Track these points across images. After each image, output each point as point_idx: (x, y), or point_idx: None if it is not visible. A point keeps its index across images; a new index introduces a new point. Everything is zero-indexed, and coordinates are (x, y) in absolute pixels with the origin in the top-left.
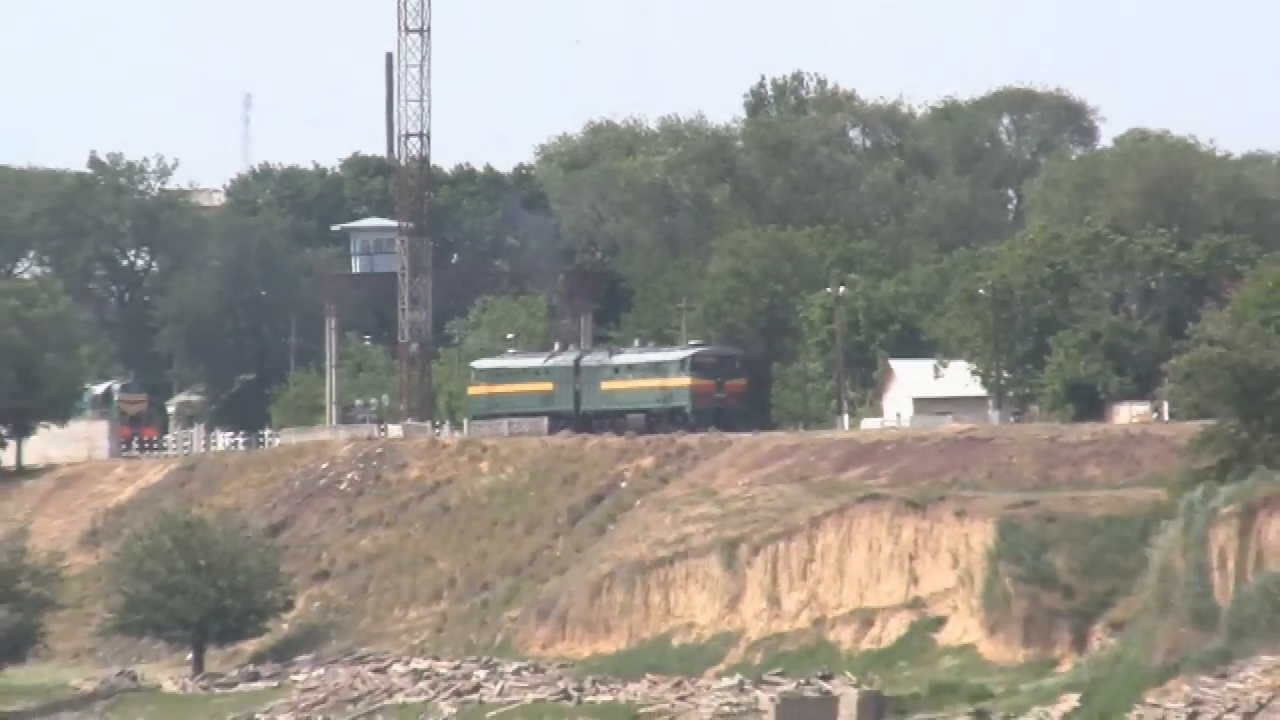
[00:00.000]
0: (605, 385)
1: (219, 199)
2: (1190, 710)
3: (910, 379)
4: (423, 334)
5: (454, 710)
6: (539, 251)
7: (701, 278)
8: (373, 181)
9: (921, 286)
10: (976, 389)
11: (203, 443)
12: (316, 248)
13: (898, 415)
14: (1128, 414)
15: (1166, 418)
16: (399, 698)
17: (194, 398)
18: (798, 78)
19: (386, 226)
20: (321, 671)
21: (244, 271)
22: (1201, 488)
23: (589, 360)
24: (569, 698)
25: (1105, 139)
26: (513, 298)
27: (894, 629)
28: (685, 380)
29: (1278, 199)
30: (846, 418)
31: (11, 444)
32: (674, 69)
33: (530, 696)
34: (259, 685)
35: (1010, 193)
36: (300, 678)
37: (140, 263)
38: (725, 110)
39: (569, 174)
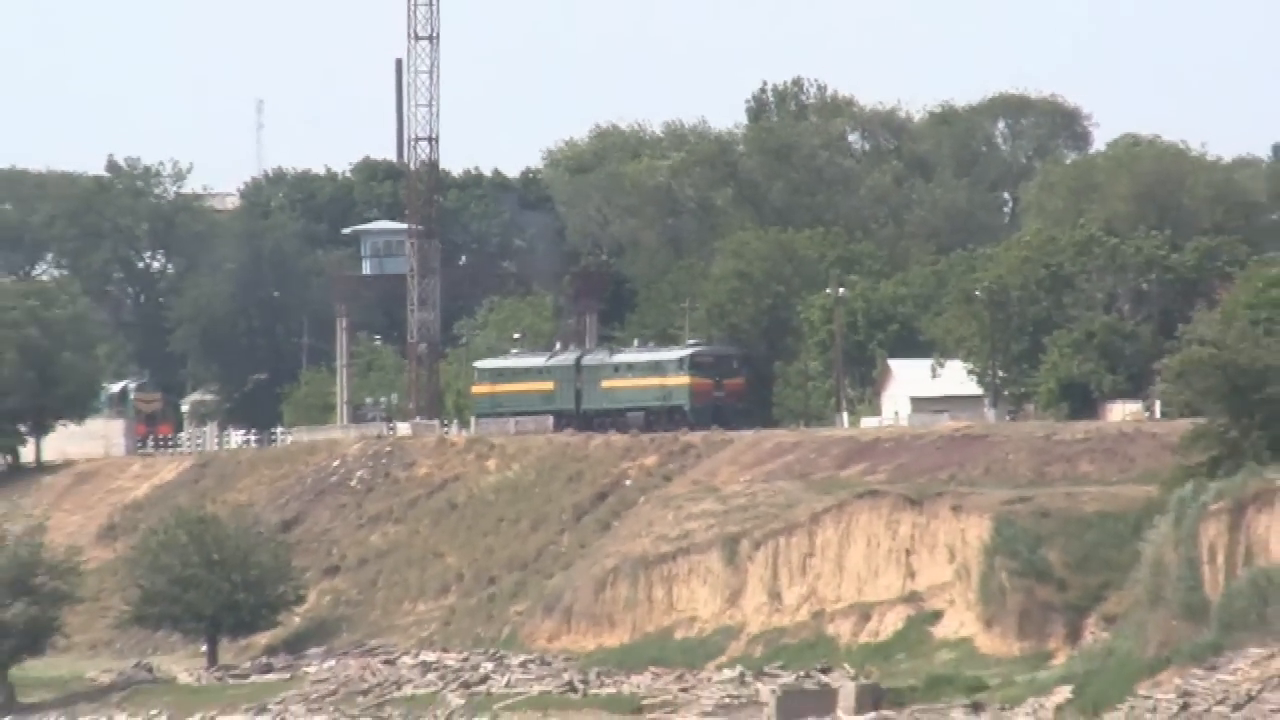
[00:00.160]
0: (606, 384)
1: (233, 202)
2: (1181, 701)
3: (908, 378)
4: (431, 334)
5: (462, 702)
6: (545, 253)
7: (705, 278)
8: (383, 185)
9: (919, 287)
10: (973, 388)
11: (216, 440)
12: (328, 250)
13: (896, 413)
14: (1121, 412)
15: (1158, 416)
16: (408, 689)
17: (208, 396)
18: (798, 83)
19: (396, 229)
20: (332, 663)
21: (257, 273)
22: (1192, 484)
23: (590, 360)
24: (574, 690)
25: (1098, 144)
26: (519, 298)
27: (892, 622)
28: (684, 379)
29: (1267, 202)
30: (846, 416)
31: (30, 441)
32: (678, 75)
33: (536, 688)
34: (271, 677)
35: (1006, 196)
36: (312, 669)
37: (156, 264)
38: (728, 115)
39: (575, 177)
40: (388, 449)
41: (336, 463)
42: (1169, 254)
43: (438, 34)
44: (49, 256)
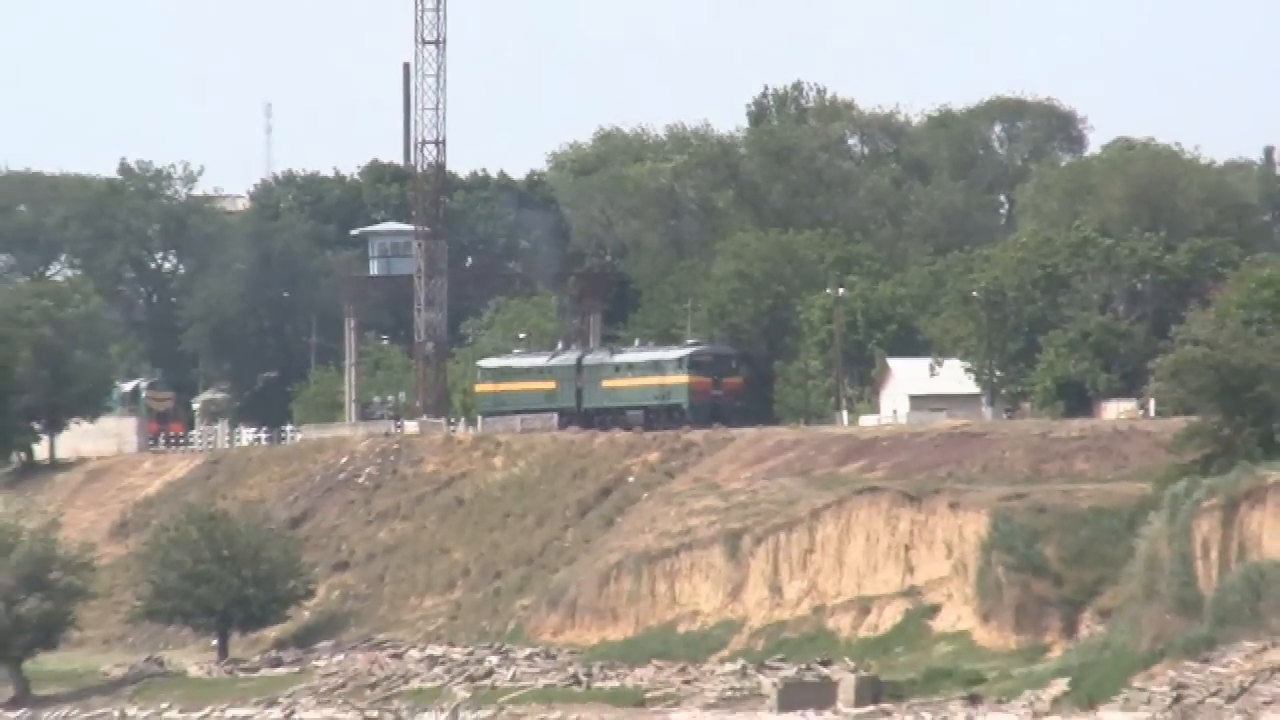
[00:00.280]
0: (606, 383)
1: (243, 204)
2: (1175, 694)
3: (906, 377)
4: (438, 334)
5: (468, 695)
6: (548, 254)
7: (706, 279)
8: (390, 187)
9: (917, 288)
10: (970, 386)
11: (227, 438)
12: (336, 251)
13: (894, 411)
14: (1115, 410)
15: (1153, 414)
16: (415, 683)
17: (219, 395)
18: (798, 87)
19: (403, 230)
20: (341, 657)
21: (267, 274)
22: (1186, 481)
23: (590, 359)
24: (578, 683)
25: (1093, 146)
26: (524, 299)
27: (890, 616)
28: (683, 378)
29: (1258, 204)
30: (845, 414)
31: (44, 439)
32: (680, 79)
33: (541, 682)
34: (281, 670)
35: (1002, 198)
36: (321, 663)
37: (167, 265)
38: (729, 118)
39: (579, 179)
40: (395, 446)
41: (345, 460)
42: (1163, 255)
43: (444, 39)
44: (63, 257)
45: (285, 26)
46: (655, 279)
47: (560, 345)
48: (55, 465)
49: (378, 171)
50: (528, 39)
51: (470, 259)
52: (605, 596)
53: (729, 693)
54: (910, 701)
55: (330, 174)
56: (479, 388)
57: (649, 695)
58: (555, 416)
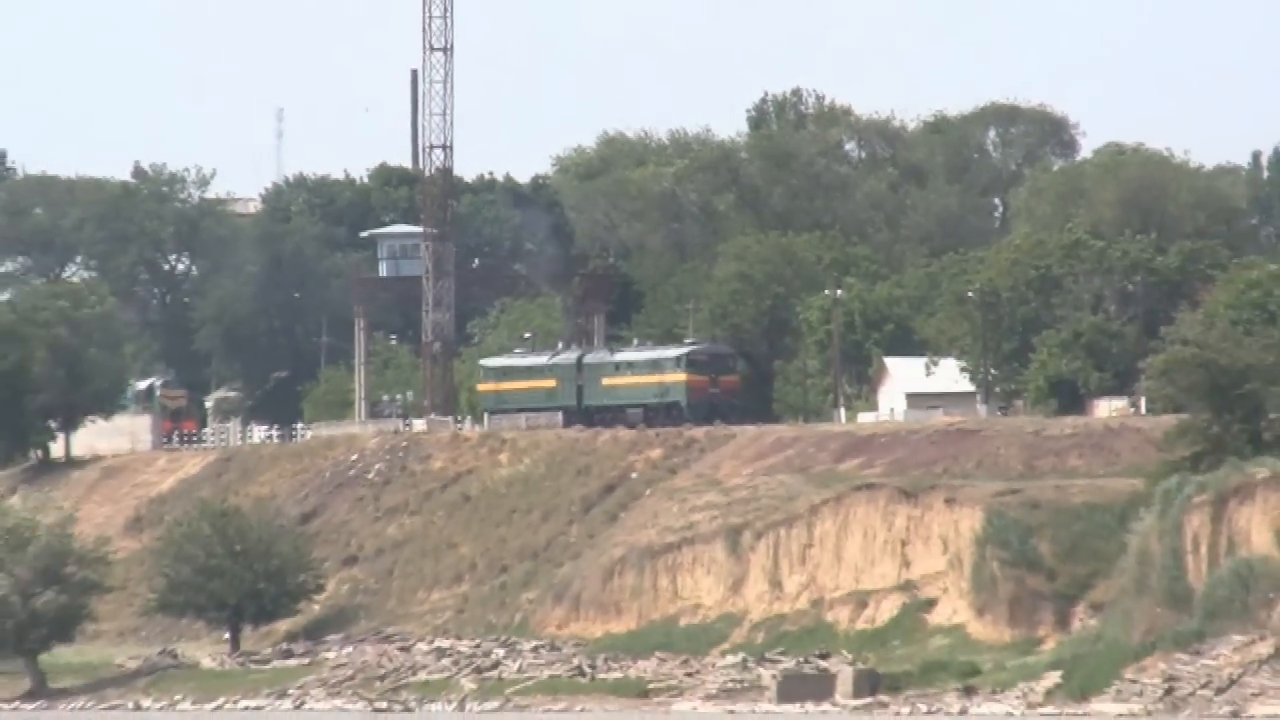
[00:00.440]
0: (606, 381)
1: (254, 207)
2: (1166, 686)
3: (903, 375)
4: (445, 334)
5: (475, 686)
6: (554, 257)
7: (708, 280)
8: (399, 190)
9: (914, 289)
10: (965, 385)
11: (239, 436)
12: (346, 253)
13: (891, 409)
14: (1107, 408)
15: (1144, 412)
16: (423, 674)
17: (231, 393)
18: (797, 93)
19: (412, 233)
20: (350, 650)
21: (278, 275)
22: (1176, 477)
23: (591, 358)
24: (583, 674)
25: (1085, 151)
26: (530, 300)
27: (888, 610)
28: (681, 376)
29: (1246, 208)
30: (843, 412)
31: (60, 436)
32: (682, 85)
33: (546, 673)
34: (292, 663)
35: (997, 201)
36: (331, 655)
37: (181, 267)
38: (730, 124)
39: (583, 183)
40: (404, 444)
41: (355, 457)
42: (1153, 257)
43: (451, 46)
44: (78, 259)
45: (296, 34)
46: (658, 280)
47: (560, 345)
48: (71, 462)
49: (386, 175)
50: (533, 46)
51: (477, 261)
52: (609, 590)
53: (730, 684)
54: (907, 693)
55: (340, 177)
56: (481, 386)
57: (652, 687)
58: (560, 414)
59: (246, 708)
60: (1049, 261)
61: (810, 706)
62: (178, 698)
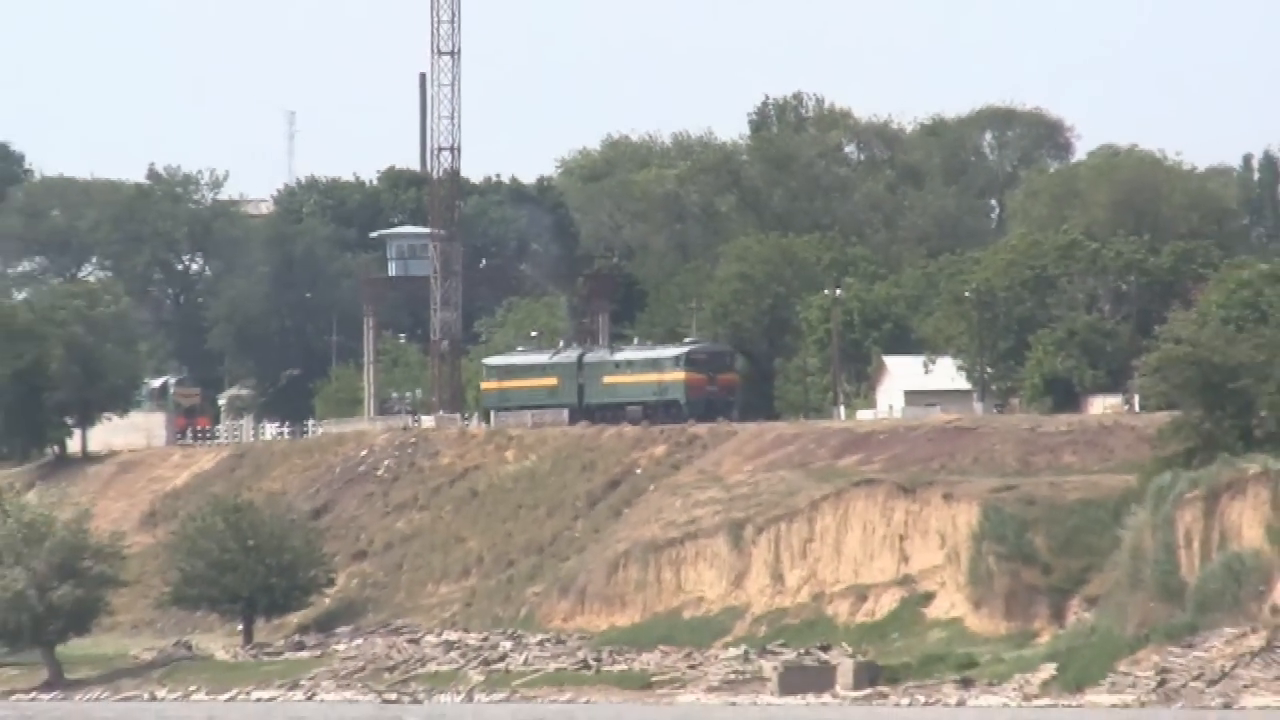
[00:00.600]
0: (607, 380)
1: (266, 208)
2: (1159, 678)
3: (901, 373)
4: (453, 332)
5: (482, 678)
6: (559, 257)
7: (710, 280)
8: (407, 192)
9: (911, 289)
10: (962, 383)
11: (251, 432)
12: (356, 253)
13: (890, 407)
14: (1101, 406)
15: (1137, 409)
16: (431, 666)
17: (243, 391)
18: (797, 97)
19: (420, 233)
20: (360, 642)
21: (289, 275)
22: (1169, 473)
23: (591, 356)
24: (588, 667)
25: (1080, 153)
26: (535, 299)
27: (887, 603)
28: (680, 375)
29: (1238, 209)
30: (843, 409)
31: (76, 433)
32: (685, 89)
33: (552, 665)
34: (303, 654)
35: (993, 203)
36: (341, 648)
37: (194, 267)
38: (732, 127)
39: (588, 184)
40: (412, 440)
41: (364, 453)
42: (1146, 257)
43: (459, 50)
44: (94, 259)
45: (307, 39)
46: (661, 280)
47: (562, 343)
48: (87, 458)
49: (395, 177)
50: (538, 50)
51: (484, 261)
52: (613, 584)
53: (732, 676)
54: (906, 685)
55: (350, 179)
56: (484, 384)
57: (655, 679)
58: (566, 412)
59: (259, 699)
60: (1044, 262)
61: (811, 698)
62: (192, 688)
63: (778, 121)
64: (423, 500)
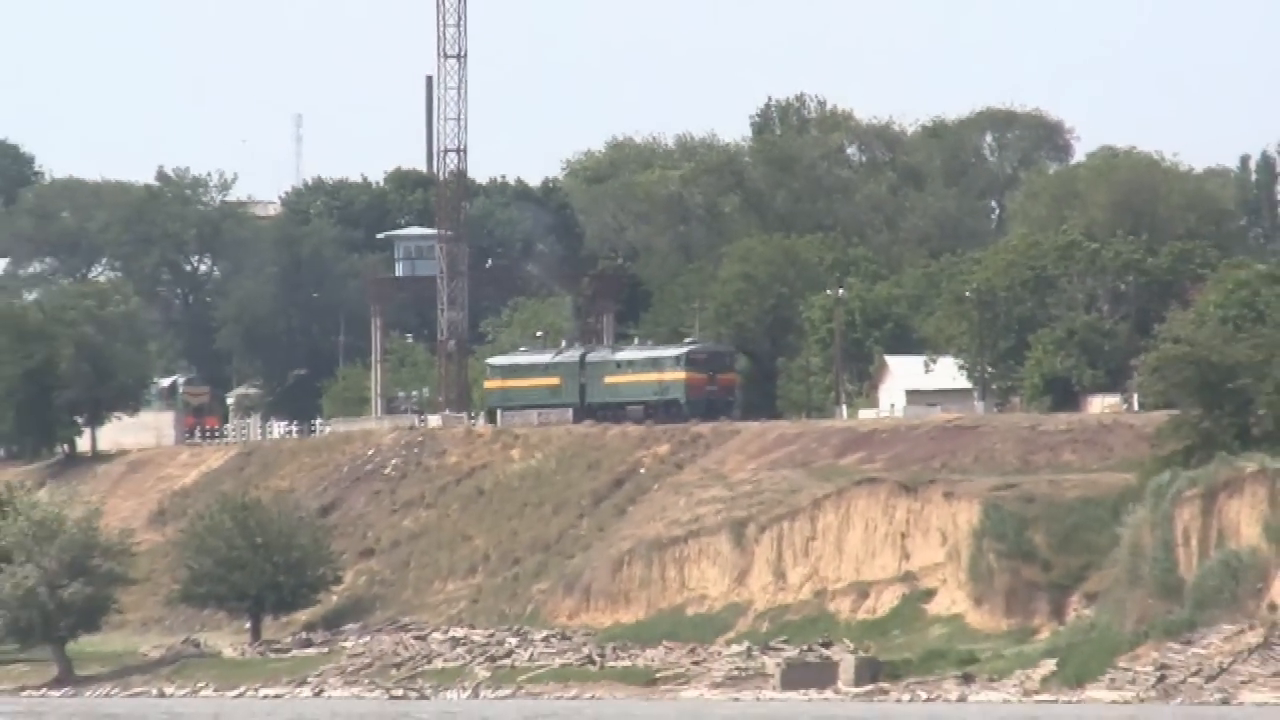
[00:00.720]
0: (608, 379)
1: (274, 210)
2: (1158, 674)
3: (903, 373)
4: (460, 332)
5: (488, 674)
6: (564, 258)
7: (713, 281)
8: (414, 193)
9: (912, 289)
10: (963, 382)
11: (259, 431)
12: (363, 254)
13: (891, 406)
14: (1100, 405)
15: (1136, 408)
16: (438, 663)
17: (252, 390)
18: (800, 99)
19: (427, 234)
20: (368, 639)
21: (297, 276)
22: (1168, 472)
23: (593, 356)
24: (593, 663)
25: (1079, 155)
26: (541, 299)
27: (888, 600)
28: (680, 374)
29: (1235, 210)
30: (845, 408)
31: (86, 431)
32: (688, 91)
33: (557, 662)
34: (311, 651)
35: (993, 204)
36: (348, 644)
37: (203, 268)
38: (734, 128)
39: (592, 186)
40: (419, 439)
41: (371, 452)
42: (1145, 258)
43: (465, 53)
44: (104, 260)
45: (315, 42)
46: (665, 281)
47: (564, 343)
48: (97, 457)
49: (402, 178)
50: (544, 53)
51: (489, 261)
52: (618, 581)
53: (735, 672)
54: (907, 681)
55: (357, 181)
56: (488, 384)
57: (659, 675)
58: (570, 411)
59: (267, 695)
60: (1044, 262)
61: (813, 694)
62: (200, 685)
63: (780, 123)
64: (429, 498)
